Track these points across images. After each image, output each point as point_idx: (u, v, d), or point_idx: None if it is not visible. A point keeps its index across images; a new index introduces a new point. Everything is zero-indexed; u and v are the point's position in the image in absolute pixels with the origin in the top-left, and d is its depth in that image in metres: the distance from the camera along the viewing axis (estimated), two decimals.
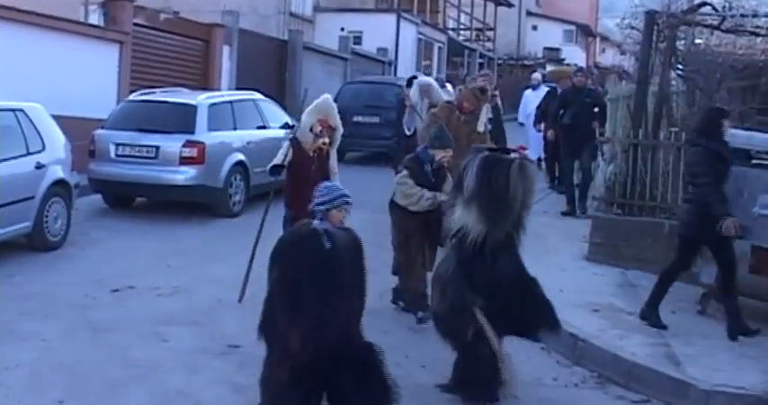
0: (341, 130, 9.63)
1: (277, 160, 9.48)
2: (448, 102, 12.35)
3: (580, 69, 16.27)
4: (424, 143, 9.63)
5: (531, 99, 20.54)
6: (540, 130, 18.19)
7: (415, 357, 8.12)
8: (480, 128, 11.97)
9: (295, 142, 9.35)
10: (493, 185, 6.92)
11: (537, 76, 22.63)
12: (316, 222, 6.27)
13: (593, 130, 14.26)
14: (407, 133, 13.34)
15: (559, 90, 17.45)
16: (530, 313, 7.17)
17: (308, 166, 9.26)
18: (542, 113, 18.08)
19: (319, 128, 9.22)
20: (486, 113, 12.25)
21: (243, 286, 9.37)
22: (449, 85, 22.47)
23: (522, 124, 20.92)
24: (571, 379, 7.88)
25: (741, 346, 8.50)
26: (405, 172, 9.08)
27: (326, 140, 9.32)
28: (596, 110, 14.94)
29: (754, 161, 9.35)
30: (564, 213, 14.66)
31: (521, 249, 7.37)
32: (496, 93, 19.31)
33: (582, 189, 14.76)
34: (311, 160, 9.33)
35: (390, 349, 8.14)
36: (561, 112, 15.26)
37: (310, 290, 6.05)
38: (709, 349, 8.33)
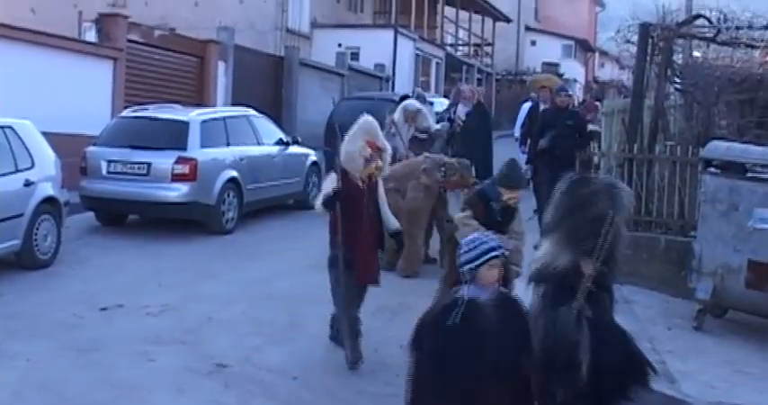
0: (389, 150, 8.65)
1: (327, 190, 8.17)
2: (442, 179, 11.96)
3: (563, 88, 14.59)
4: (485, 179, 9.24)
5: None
6: (524, 152, 16.51)
7: (405, 377, 7.96)
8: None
9: (342, 172, 8.09)
10: (580, 210, 6.07)
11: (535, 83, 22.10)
12: (462, 290, 5.45)
13: (574, 156, 13.04)
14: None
15: (540, 103, 16.99)
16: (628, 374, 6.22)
17: (359, 197, 8.14)
18: (527, 132, 16.93)
19: (369, 151, 8.13)
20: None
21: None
22: (444, 100, 22.39)
23: (517, 139, 19.82)
24: None
25: (736, 363, 8.38)
26: (467, 212, 8.42)
27: (380, 164, 8.29)
28: (579, 135, 13.51)
29: (749, 174, 9.23)
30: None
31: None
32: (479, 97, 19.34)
33: None
34: (361, 191, 8.19)
35: (381, 368, 8.11)
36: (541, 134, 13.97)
37: (455, 375, 5.34)
38: (704, 366, 8.21)
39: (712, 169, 9.46)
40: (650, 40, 11.86)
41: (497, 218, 8.40)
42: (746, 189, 9.13)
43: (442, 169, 11.61)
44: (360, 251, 8.09)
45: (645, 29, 11.84)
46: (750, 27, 11.56)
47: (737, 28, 11.57)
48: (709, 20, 11.82)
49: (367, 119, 8.39)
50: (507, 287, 5.75)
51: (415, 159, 12.59)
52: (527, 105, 19.03)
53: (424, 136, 14.32)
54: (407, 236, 10.56)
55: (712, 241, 9.29)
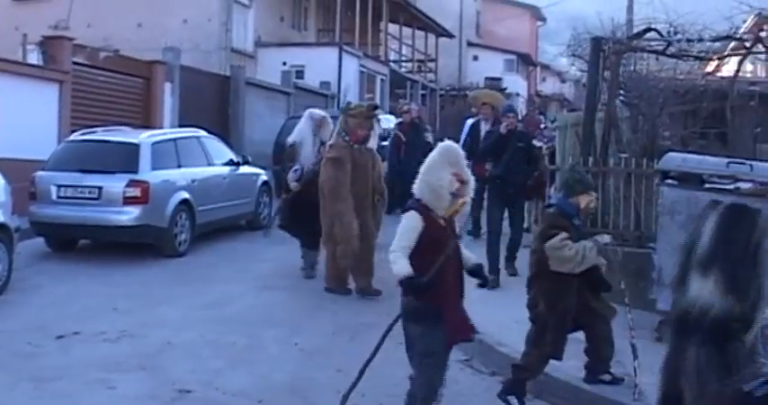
0: (472, 183, 7.09)
1: (403, 271, 6.53)
2: (343, 139, 11.46)
3: (510, 109, 13.29)
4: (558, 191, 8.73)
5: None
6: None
7: (372, 396, 7.92)
8: (372, 144, 11.71)
9: (423, 210, 6.73)
10: (739, 245, 5.26)
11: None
12: None
13: (527, 181, 12.63)
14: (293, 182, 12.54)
15: (482, 120, 16.01)
16: None
17: (443, 238, 6.76)
18: (468, 153, 16.43)
19: (457, 185, 6.76)
20: (377, 131, 11.96)
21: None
22: (390, 117, 22.31)
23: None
24: None
25: None
26: (562, 234, 7.58)
27: (466, 199, 7.03)
28: (528, 158, 12.61)
29: (706, 185, 9.28)
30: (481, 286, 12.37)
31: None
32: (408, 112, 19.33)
33: (511, 249, 12.67)
34: (444, 230, 6.82)
35: (345, 388, 7.97)
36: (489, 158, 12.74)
37: None
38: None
39: (669, 181, 9.49)
40: (602, 54, 11.90)
41: (580, 230, 7.93)
42: (704, 200, 9.10)
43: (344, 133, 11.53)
44: (450, 301, 6.85)
45: (597, 42, 11.90)
46: (701, 39, 11.66)
47: (688, 40, 11.66)
48: (659, 33, 11.90)
49: (450, 146, 7.01)
50: None
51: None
52: (470, 122, 17.79)
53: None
54: (335, 216, 11.24)
55: (671, 252, 9.27)
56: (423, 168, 6.83)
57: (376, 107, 11.85)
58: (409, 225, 6.61)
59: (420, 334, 6.78)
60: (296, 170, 12.47)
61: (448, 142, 7.07)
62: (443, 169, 6.73)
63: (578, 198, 7.91)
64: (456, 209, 6.87)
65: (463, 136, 16.44)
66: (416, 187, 6.77)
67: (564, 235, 7.61)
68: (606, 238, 7.86)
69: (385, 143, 15.72)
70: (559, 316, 7.75)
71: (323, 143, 12.38)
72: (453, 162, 6.82)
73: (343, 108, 11.92)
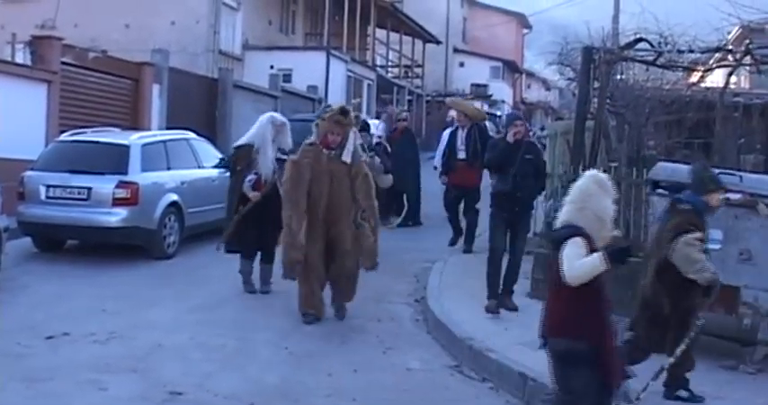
0: None
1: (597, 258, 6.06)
2: (310, 143, 10.61)
3: (517, 116, 12.17)
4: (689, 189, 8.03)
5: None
6: (444, 183, 15.76)
7: (362, 401, 7.95)
8: (346, 158, 10.52)
9: (587, 237, 6.21)
10: None
11: (452, 113, 20.21)
12: None
13: (535, 198, 11.93)
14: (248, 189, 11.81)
15: (459, 131, 15.52)
16: None
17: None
18: (446, 163, 15.71)
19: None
20: (353, 140, 10.74)
21: None
22: (375, 121, 22.17)
23: (436, 168, 16.98)
24: None
25: (691, 381, 8.42)
26: (697, 234, 7.43)
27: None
28: (536, 176, 11.47)
29: None
30: (490, 310, 10.85)
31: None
32: (405, 120, 19.48)
33: (509, 278, 11.29)
34: None
35: (335, 393, 8.07)
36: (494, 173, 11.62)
37: None
38: (659, 386, 8.22)
39: (660, 190, 9.55)
40: (593, 63, 11.96)
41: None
42: None
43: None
44: (609, 340, 6.32)
45: (588, 52, 11.96)
46: (691, 51, 11.73)
47: (679, 51, 11.74)
48: (650, 43, 11.97)
49: (602, 176, 6.52)
50: None
51: None
52: (448, 131, 16.90)
53: (285, 157, 11.65)
54: (285, 221, 10.38)
55: None
56: (577, 197, 6.37)
57: (345, 111, 10.70)
58: (580, 251, 6.11)
59: (572, 375, 6.29)
60: (250, 180, 11.73)
61: (596, 172, 6.69)
62: (606, 198, 6.34)
63: (710, 196, 7.82)
64: (610, 236, 6.38)
65: (441, 146, 16.19)
66: (572, 215, 6.30)
67: (699, 235, 7.53)
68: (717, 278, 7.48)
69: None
70: (681, 313, 7.67)
71: (281, 151, 11.86)
72: (611, 192, 6.46)
73: (320, 111, 11.63)
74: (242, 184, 11.82)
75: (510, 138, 10.96)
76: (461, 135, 15.47)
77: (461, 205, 15.58)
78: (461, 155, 15.39)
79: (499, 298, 10.95)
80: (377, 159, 15.24)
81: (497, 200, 11.12)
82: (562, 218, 6.37)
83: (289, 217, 10.30)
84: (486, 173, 14.34)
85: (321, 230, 10.46)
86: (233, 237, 11.91)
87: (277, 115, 12.68)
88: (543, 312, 6.52)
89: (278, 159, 11.78)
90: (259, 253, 11.96)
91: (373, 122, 20.02)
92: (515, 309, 10.91)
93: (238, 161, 12.11)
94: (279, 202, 10.88)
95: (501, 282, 11.08)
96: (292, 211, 10.30)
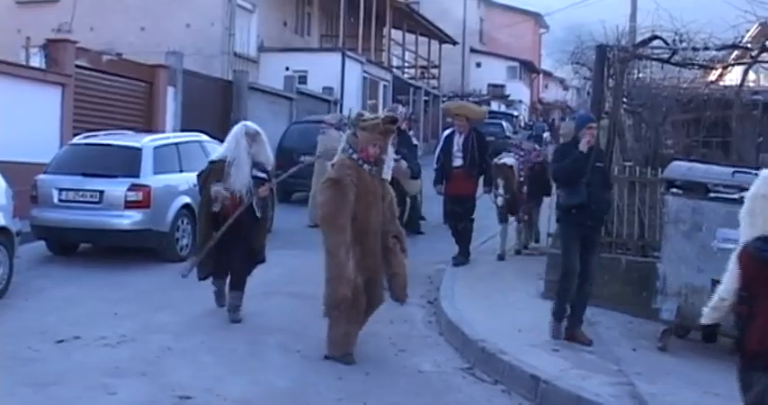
0: None
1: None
2: (350, 157, 9.02)
3: (590, 118, 10.25)
4: None
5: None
6: (440, 193, 14.50)
7: (373, 404, 7.85)
8: (386, 174, 9.38)
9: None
10: None
11: None
12: None
13: (606, 213, 10.53)
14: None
15: (456, 133, 14.34)
16: None
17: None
18: (440, 167, 14.46)
19: None
20: (391, 154, 9.57)
21: None
22: None
23: (418, 164, 15.42)
24: None
25: (703, 384, 8.34)
26: None
27: None
28: (605, 186, 10.26)
29: (711, 194, 9.24)
30: (556, 336, 9.79)
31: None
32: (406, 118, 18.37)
33: (580, 306, 9.93)
34: None
35: (347, 396, 7.98)
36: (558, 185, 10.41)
37: None
38: (672, 388, 8.16)
39: (674, 190, 9.46)
40: (606, 62, 11.86)
41: None
42: (709, 209, 9.15)
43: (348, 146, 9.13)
44: None
45: (602, 50, 11.86)
46: (706, 48, 11.62)
47: (694, 49, 11.62)
48: (665, 41, 11.86)
49: None
50: None
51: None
52: (445, 134, 15.42)
53: (263, 175, 10.74)
54: (326, 253, 8.76)
55: (676, 262, 9.29)
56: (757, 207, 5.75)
57: (394, 120, 9.32)
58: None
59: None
60: (216, 191, 10.45)
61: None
62: None
63: None
64: None
65: (437, 150, 15.04)
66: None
67: None
68: None
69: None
70: None
71: (260, 167, 10.65)
72: None
73: (354, 119, 9.59)
74: (210, 202, 10.59)
75: (584, 146, 9.65)
76: (458, 140, 14.23)
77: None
78: (458, 162, 14.10)
79: (567, 330, 9.75)
80: (403, 163, 13.36)
81: (569, 215, 9.78)
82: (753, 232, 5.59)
83: (336, 246, 8.69)
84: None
85: (363, 261, 8.98)
86: (205, 262, 10.74)
87: (250, 124, 11.00)
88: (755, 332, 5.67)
89: (255, 177, 10.53)
90: (228, 280, 10.80)
91: None
92: (590, 343, 9.54)
93: (210, 177, 10.65)
94: (254, 226, 10.69)
95: (568, 309, 9.84)
96: (339, 240, 8.72)
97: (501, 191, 14.15)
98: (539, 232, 15.52)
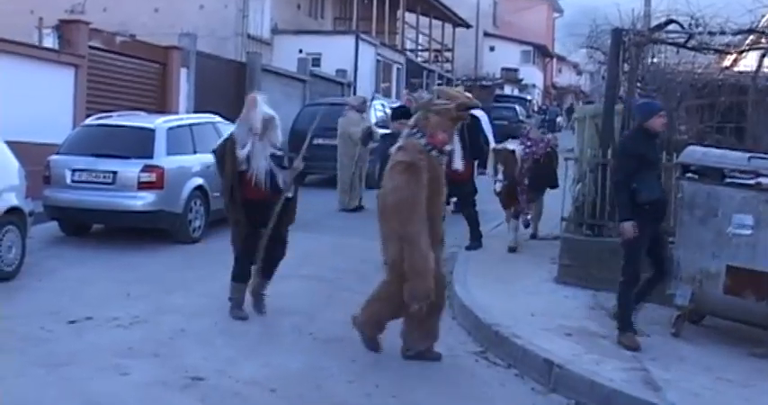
0: None
1: None
2: (423, 143, 8.35)
3: (657, 105, 9.49)
4: None
5: None
6: None
7: (385, 387, 7.83)
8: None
9: None
10: None
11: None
12: None
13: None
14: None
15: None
16: None
17: None
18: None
19: None
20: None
21: None
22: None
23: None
24: None
25: (718, 370, 8.30)
26: None
27: None
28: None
29: (727, 180, 9.17)
30: (632, 347, 8.81)
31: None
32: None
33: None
34: None
35: (359, 378, 7.97)
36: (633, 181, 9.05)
37: None
38: (686, 373, 8.11)
39: (690, 175, 9.39)
40: (622, 46, 11.78)
41: None
42: (725, 195, 9.07)
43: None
44: None
45: (617, 34, 11.78)
46: (723, 33, 11.53)
47: (710, 33, 11.54)
48: (681, 25, 11.78)
49: None
50: None
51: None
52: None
53: (280, 153, 9.93)
54: (405, 243, 8.09)
55: (691, 247, 9.22)
56: None
57: (469, 107, 8.72)
58: None
59: None
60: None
61: None
62: None
63: None
64: None
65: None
66: None
67: None
68: None
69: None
70: None
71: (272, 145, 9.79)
72: None
73: (426, 102, 8.76)
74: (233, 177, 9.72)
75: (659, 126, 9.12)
76: None
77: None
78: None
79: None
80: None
81: (643, 212, 8.94)
82: None
83: (417, 234, 8.06)
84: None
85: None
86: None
87: (266, 110, 9.91)
88: None
89: (272, 155, 9.75)
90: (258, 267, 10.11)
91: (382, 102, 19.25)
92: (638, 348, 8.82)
93: (229, 150, 9.79)
94: (286, 210, 9.93)
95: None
96: (420, 228, 8.10)
97: (500, 176, 13.83)
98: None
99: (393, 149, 8.57)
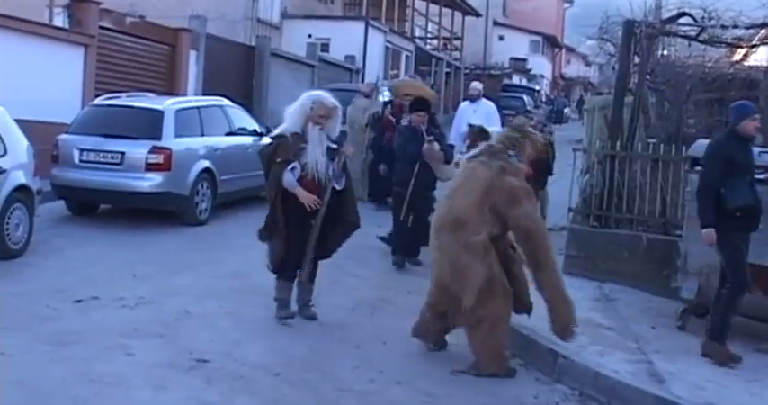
0: None
1: None
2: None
3: (752, 108, 8.80)
4: None
5: (468, 114, 16.30)
6: (384, 173, 14.24)
7: (389, 373, 7.84)
8: None
9: None
10: None
11: (476, 85, 17.62)
12: None
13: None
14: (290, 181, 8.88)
15: (404, 117, 13.32)
16: None
17: None
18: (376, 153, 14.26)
19: None
20: None
21: None
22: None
23: (452, 146, 13.16)
24: (552, 397, 7.62)
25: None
26: None
27: None
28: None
29: None
30: (732, 361, 8.39)
31: None
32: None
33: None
34: None
35: (363, 364, 7.99)
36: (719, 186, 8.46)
37: None
38: (691, 366, 8.14)
39: (699, 168, 9.38)
40: (633, 38, 11.77)
41: None
42: None
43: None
44: None
45: (629, 26, 11.77)
46: (735, 26, 11.51)
47: (723, 27, 11.51)
48: (693, 18, 11.76)
49: None
50: None
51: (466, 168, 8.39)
52: (466, 104, 15.73)
53: (334, 146, 9.08)
54: (549, 269, 8.10)
55: (698, 240, 9.20)
56: None
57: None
58: None
59: None
60: (294, 168, 8.84)
61: None
62: None
63: None
64: None
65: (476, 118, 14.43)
66: None
67: None
68: None
69: None
70: None
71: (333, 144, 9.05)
72: None
73: (521, 123, 8.79)
74: (279, 182, 8.94)
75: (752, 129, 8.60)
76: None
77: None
78: None
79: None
80: (436, 145, 11.70)
81: (732, 219, 8.38)
82: None
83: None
84: None
85: None
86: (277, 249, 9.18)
87: (324, 95, 9.23)
88: None
89: (327, 148, 9.07)
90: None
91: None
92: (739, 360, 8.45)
93: (277, 154, 9.01)
94: (340, 200, 9.16)
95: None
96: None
97: None
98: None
99: (483, 162, 8.16)
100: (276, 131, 9.25)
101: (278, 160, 8.87)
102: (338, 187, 9.02)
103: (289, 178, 8.79)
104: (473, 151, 8.50)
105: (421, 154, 11.53)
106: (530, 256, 8.01)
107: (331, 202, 8.98)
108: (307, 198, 8.75)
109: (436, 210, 8.55)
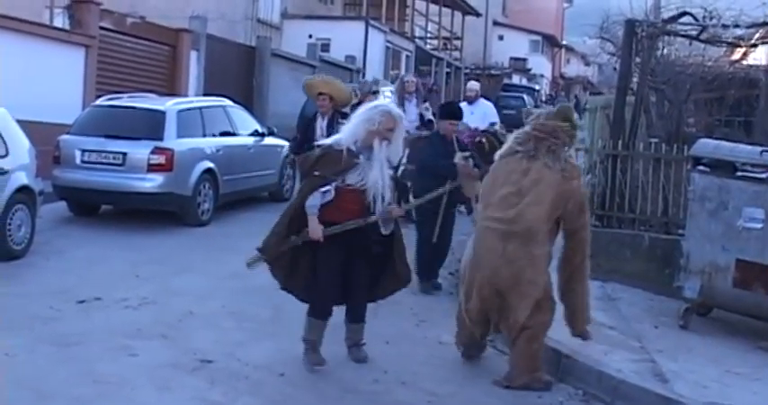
0: None
1: None
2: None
3: None
4: None
5: (465, 115, 14.11)
6: None
7: (393, 373, 7.85)
8: None
9: None
10: None
11: (473, 86, 17.24)
12: None
13: None
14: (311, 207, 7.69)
15: (319, 116, 12.95)
16: None
17: None
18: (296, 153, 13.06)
19: None
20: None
21: None
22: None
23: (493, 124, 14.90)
24: (556, 396, 7.61)
25: (725, 363, 8.32)
26: None
27: None
28: None
29: (738, 173, 9.18)
30: None
31: None
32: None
33: None
34: None
35: (368, 364, 7.97)
36: None
37: None
38: (694, 365, 8.14)
39: (701, 167, 9.40)
40: (635, 37, 11.78)
41: None
42: (736, 188, 9.09)
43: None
44: None
45: (631, 25, 11.78)
46: (737, 25, 11.52)
47: (724, 26, 11.53)
48: (695, 17, 11.77)
49: None
50: None
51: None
52: (463, 106, 13.77)
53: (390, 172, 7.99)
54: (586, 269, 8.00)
55: (701, 240, 9.24)
56: None
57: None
58: None
59: None
60: (327, 191, 7.64)
61: None
62: None
63: None
64: None
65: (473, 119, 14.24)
66: None
67: None
68: None
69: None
70: None
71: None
72: None
73: (565, 110, 8.24)
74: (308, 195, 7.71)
75: None
76: (321, 124, 12.75)
77: None
78: None
79: None
80: (471, 161, 10.40)
81: None
82: None
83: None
84: None
85: None
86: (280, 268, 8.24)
87: (393, 107, 7.86)
88: None
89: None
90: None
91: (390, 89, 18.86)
92: None
93: (319, 164, 7.71)
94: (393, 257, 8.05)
95: None
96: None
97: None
98: None
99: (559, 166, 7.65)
100: (327, 141, 7.96)
101: (316, 173, 7.67)
102: (385, 232, 7.81)
103: (314, 202, 7.63)
104: (523, 145, 7.73)
105: (455, 171, 10.01)
106: (572, 264, 7.88)
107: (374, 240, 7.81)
108: (314, 232, 7.60)
109: (496, 210, 7.73)
